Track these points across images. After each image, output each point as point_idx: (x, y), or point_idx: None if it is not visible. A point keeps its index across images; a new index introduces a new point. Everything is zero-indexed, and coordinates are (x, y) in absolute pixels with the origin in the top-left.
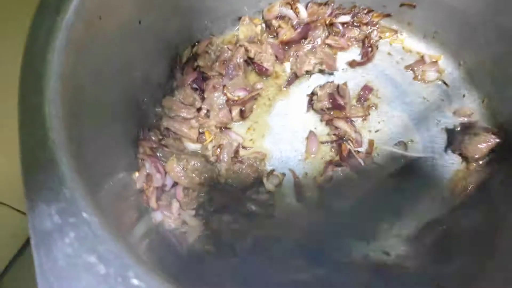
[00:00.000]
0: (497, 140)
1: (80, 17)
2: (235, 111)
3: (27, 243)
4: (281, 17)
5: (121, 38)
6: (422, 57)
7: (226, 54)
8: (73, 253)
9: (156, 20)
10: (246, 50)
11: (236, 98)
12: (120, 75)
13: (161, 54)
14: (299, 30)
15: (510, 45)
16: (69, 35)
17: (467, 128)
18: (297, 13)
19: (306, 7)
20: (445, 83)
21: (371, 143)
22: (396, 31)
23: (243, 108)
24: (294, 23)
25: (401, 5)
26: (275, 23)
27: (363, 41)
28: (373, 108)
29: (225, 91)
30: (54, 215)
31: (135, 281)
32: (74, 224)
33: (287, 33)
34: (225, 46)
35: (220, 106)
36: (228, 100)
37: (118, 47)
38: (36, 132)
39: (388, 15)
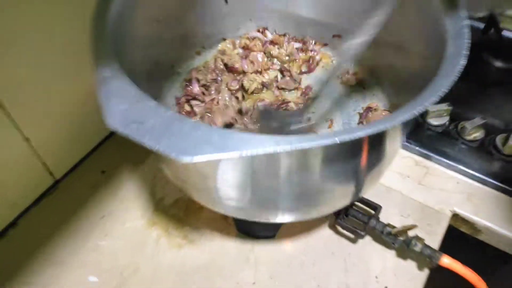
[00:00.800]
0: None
1: None
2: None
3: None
4: (253, 39)
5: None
6: (348, 71)
7: (211, 65)
8: None
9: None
10: (222, 60)
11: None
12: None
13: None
14: (266, 45)
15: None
16: None
17: (372, 110)
18: (265, 36)
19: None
20: (363, 86)
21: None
22: (330, 56)
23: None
24: (263, 42)
25: (333, 36)
26: (248, 42)
27: (308, 61)
28: (310, 100)
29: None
30: None
31: None
32: None
33: (256, 47)
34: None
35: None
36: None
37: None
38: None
39: (325, 44)
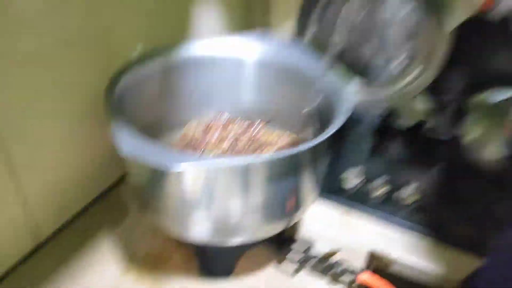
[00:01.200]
0: None
1: None
2: None
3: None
4: (212, 121)
5: None
6: None
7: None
8: None
9: None
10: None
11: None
12: None
13: None
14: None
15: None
16: None
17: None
18: (221, 119)
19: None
20: None
21: None
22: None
23: None
24: (220, 123)
25: (267, 122)
26: (208, 123)
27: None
28: None
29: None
30: None
31: None
32: None
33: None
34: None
35: None
36: None
37: None
38: None
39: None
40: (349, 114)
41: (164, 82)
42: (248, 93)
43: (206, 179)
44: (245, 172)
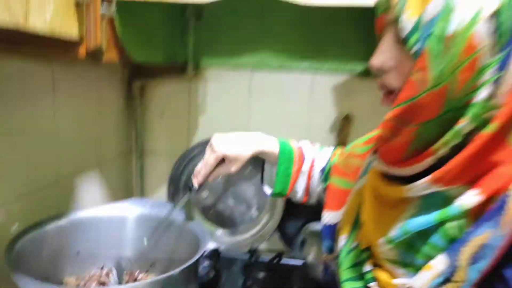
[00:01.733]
0: None
1: None
2: None
3: None
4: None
5: None
6: None
7: None
8: None
9: None
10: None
11: None
12: None
13: None
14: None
15: None
16: None
17: None
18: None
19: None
20: None
21: None
22: None
23: None
24: (100, 275)
25: (146, 271)
26: (90, 276)
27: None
28: None
29: None
30: None
31: None
32: None
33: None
34: None
35: None
36: None
37: None
38: None
39: (147, 270)
40: (201, 253)
41: (56, 242)
42: (129, 246)
43: None
44: None
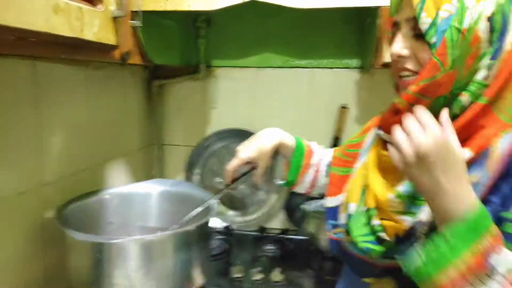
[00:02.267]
0: None
1: None
2: None
3: None
4: None
5: None
6: None
7: None
8: None
9: None
10: None
11: None
12: None
13: None
14: None
15: None
16: None
17: None
18: None
19: None
20: None
21: None
22: None
23: None
24: None
25: None
26: None
27: None
28: None
29: None
30: None
31: None
32: None
33: None
34: None
35: None
36: None
37: None
38: None
39: None
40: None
41: (93, 213)
42: (153, 218)
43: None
44: None
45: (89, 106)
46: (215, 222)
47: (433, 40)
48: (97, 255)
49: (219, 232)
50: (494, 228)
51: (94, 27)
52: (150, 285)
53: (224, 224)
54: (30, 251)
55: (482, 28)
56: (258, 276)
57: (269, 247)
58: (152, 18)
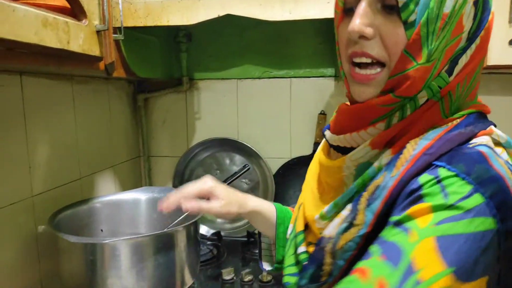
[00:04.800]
0: None
1: None
2: None
3: None
4: None
5: None
6: None
7: None
8: None
9: None
10: None
11: None
12: None
13: None
14: None
15: None
16: None
17: None
18: None
19: None
20: None
21: None
22: None
23: None
24: None
25: None
26: None
27: None
28: None
29: None
30: None
31: None
32: None
33: None
34: None
35: None
36: None
37: None
38: None
39: None
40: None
41: (84, 220)
42: (143, 225)
43: None
44: None
45: (76, 119)
46: (204, 230)
47: (411, 18)
48: (90, 257)
49: (208, 238)
50: None
51: (79, 40)
52: (142, 285)
53: (212, 231)
54: (25, 258)
55: (468, 14)
56: (248, 278)
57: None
58: (134, 34)
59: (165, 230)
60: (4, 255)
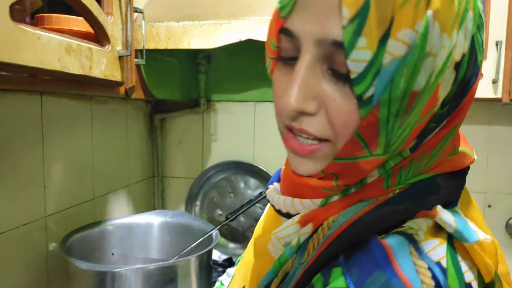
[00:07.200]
0: None
1: None
2: None
3: None
4: None
5: None
6: None
7: None
8: None
9: None
10: None
11: None
12: None
13: None
14: None
15: None
16: None
17: None
18: None
19: None
20: None
21: None
22: None
23: None
24: None
25: None
26: None
27: None
28: None
29: None
30: None
31: None
32: None
33: None
34: None
35: None
36: None
37: None
38: None
39: None
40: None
41: (96, 243)
42: (155, 250)
43: None
44: None
45: (93, 139)
46: (216, 255)
47: (367, 93)
48: (100, 285)
49: (220, 264)
50: None
51: (101, 65)
52: None
53: (224, 257)
54: (34, 279)
55: (446, 80)
56: None
57: None
58: (154, 56)
59: (178, 259)
60: (14, 276)
